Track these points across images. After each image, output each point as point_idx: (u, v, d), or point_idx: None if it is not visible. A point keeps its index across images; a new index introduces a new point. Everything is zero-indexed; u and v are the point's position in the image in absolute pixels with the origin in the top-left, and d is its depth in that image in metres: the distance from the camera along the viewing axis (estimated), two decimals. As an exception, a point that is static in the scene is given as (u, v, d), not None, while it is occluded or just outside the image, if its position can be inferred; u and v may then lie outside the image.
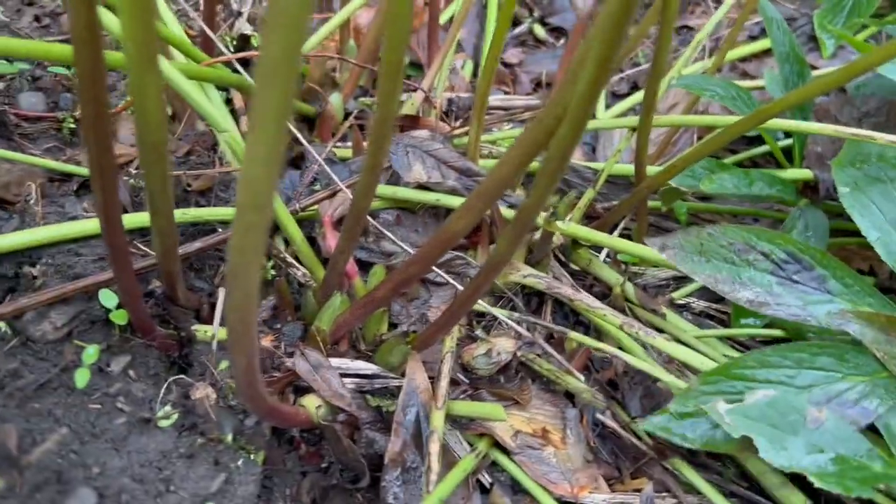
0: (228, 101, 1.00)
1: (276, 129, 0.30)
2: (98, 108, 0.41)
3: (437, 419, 0.70)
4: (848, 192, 0.79)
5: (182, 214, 0.71)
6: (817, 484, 0.57)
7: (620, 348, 0.85)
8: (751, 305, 0.68)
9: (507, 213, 0.86)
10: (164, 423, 0.62)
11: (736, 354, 0.82)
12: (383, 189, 0.84)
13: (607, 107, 1.18)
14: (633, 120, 0.87)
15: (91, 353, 0.61)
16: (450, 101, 1.14)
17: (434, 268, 0.82)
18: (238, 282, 0.39)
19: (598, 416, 0.79)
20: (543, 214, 0.80)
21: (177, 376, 0.66)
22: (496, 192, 0.57)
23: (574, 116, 0.47)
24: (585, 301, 0.79)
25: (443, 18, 1.24)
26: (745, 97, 0.91)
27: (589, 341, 0.77)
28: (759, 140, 1.13)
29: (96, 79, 0.40)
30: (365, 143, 0.97)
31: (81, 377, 0.60)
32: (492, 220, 0.87)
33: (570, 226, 0.77)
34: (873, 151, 0.82)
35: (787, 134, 1.05)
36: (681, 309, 0.92)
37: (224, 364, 0.70)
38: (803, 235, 0.87)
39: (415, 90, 1.07)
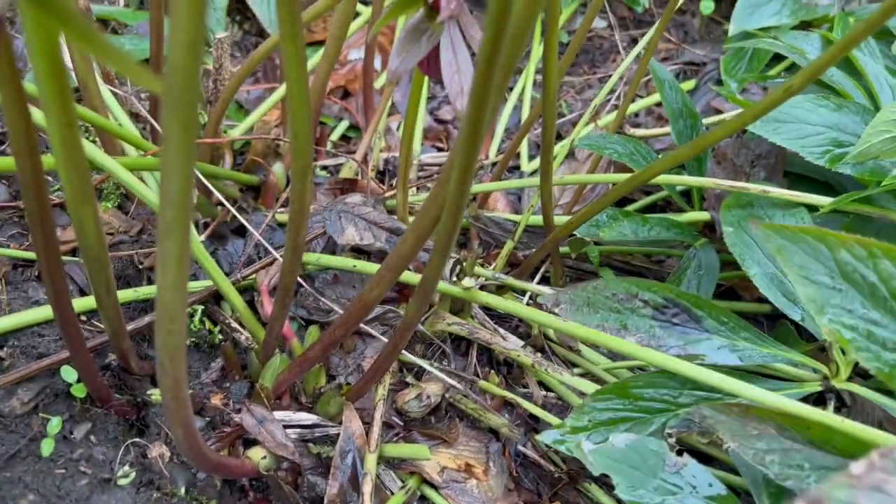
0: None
1: (178, 263, 0.40)
2: (41, 212, 0.50)
3: (371, 462, 0.79)
4: (731, 231, 0.89)
5: (134, 293, 0.80)
6: None
7: (540, 383, 0.95)
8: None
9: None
10: (123, 482, 0.71)
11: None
12: (309, 256, 0.93)
13: (531, 157, 1.29)
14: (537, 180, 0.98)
15: (55, 423, 0.70)
16: (386, 160, 1.24)
17: (366, 323, 0.92)
18: (166, 370, 0.48)
19: (520, 447, 0.88)
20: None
21: (134, 438, 0.75)
22: (401, 265, 0.67)
23: (451, 208, 0.57)
24: (501, 344, 0.89)
25: (379, 83, 1.35)
26: (643, 152, 1.02)
27: (496, 390, 0.87)
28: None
29: (38, 186, 0.49)
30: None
31: (47, 446, 0.68)
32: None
33: (469, 291, 0.86)
34: (758, 196, 0.92)
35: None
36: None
37: (178, 424, 0.78)
38: (697, 273, 0.97)
39: (351, 154, 1.17)
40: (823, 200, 0.87)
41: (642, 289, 0.79)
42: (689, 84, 1.49)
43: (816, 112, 0.90)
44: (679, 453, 0.70)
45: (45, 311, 0.74)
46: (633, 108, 1.41)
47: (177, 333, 0.44)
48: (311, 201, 0.66)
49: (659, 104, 1.46)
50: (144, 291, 0.80)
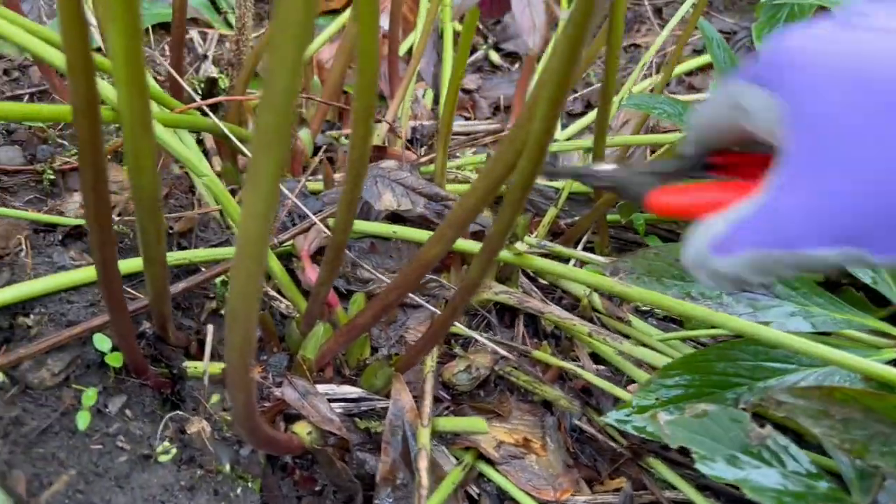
0: (199, 142, 1.03)
1: (270, 188, 0.34)
2: (96, 171, 0.45)
3: (424, 436, 0.74)
4: None
5: (167, 257, 0.74)
6: (753, 497, 0.59)
7: (591, 355, 0.90)
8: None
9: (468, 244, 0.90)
10: (163, 458, 0.65)
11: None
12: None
13: (563, 126, 1.23)
14: (588, 141, 0.93)
15: (90, 395, 0.64)
16: (413, 129, 1.19)
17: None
18: (238, 325, 0.42)
19: (576, 421, 0.83)
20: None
21: (172, 412, 0.69)
22: (465, 221, 0.62)
23: (532, 151, 0.51)
24: (555, 313, 0.84)
25: (402, 50, 1.29)
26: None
27: (552, 359, 0.82)
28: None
29: (95, 146, 0.43)
30: (336, 176, 1.01)
31: (83, 419, 0.63)
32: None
33: (524, 256, 0.80)
34: None
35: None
36: (645, 315, 0.97)
37: (216, 398, 0.73)
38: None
39: (380, 122, 1.11)
40: None
41: None
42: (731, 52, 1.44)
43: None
44: (762, 425, 0.65)
45: (74, 275, 0.68)
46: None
47: (256, 278, 0.39)
48: (370, 152, 0.60)
49: (690, 73, 1.41)
50: (177, 255, 0.75)
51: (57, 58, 0.64)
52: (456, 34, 1.47)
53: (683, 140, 0.48)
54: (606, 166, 0.51)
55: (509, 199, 0.56)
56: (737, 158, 0.46)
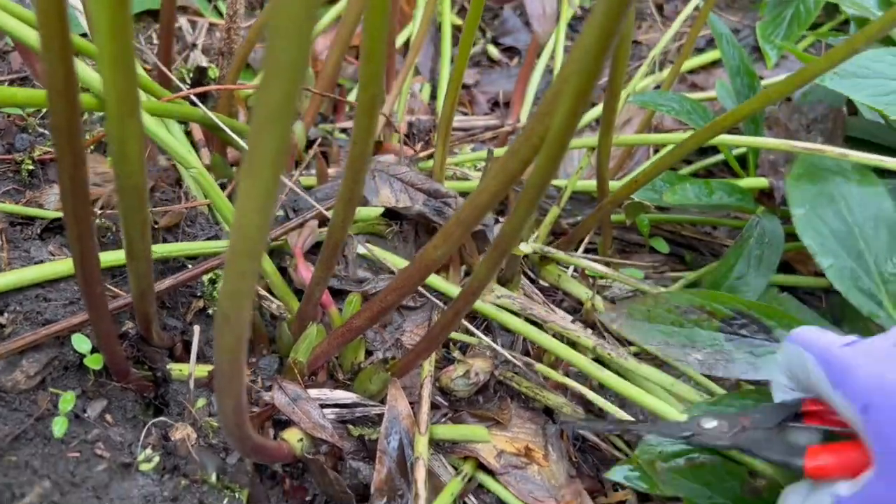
0: (187, 134, 0.99)
1: (272, 177, 0.30)
2: (75, 159, 0.41)
3: (421, 445, 0.70)
4: (802, 213, 0.79)
5: (153, 251, 0.70)
6: None
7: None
8: (701, 367, 0.69)
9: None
10: (145, 467, 0.61)
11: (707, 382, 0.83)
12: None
13: (565, 123, 1.20)
14: (592, 139, 0.89)
15: (68, 399, 0.60)
16: (410, 124, 1.15)
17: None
18: (229, 326, 0.38)
19: (578, 430, 0.80)
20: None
21: (155, 418, 0.65)
22: (475, 219, 0.58)
23: (551, 147, 0.48)
24: (559, 323, 0.80)
25: (397, 43, 1.25)
26: (700, 110, 0.94)
27: (555, 375, 0.78)
28: (711, 151, 1.17)
29: (72, 129, 0.39)
30: (330, 171, 0.97)
31: (59, 426, 0.59)
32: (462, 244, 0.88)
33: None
34: (828, 164, 0.84)
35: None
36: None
37: (201, 402, 0.69)
38: (760, 243, 0.89)
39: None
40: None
41: (707, 300, 0.71)
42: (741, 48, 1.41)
43: (903, 66, 0.82)
44: (754, 479, 0.63)
45: (53, 268, 0.64)
46: (665, 75, 1.33)
47: (251, 276, 0.35)
48: (372, 146, 0.56)
49: (693, 72, 1.38)
50: (162, 250, 0.71)
51: (33, 38, 0.59)
52: (454, 27, 1.44)
53: (774, 387, 0.58)
54: (711, 423, 0.58)
55: (525, 196, 0.52)
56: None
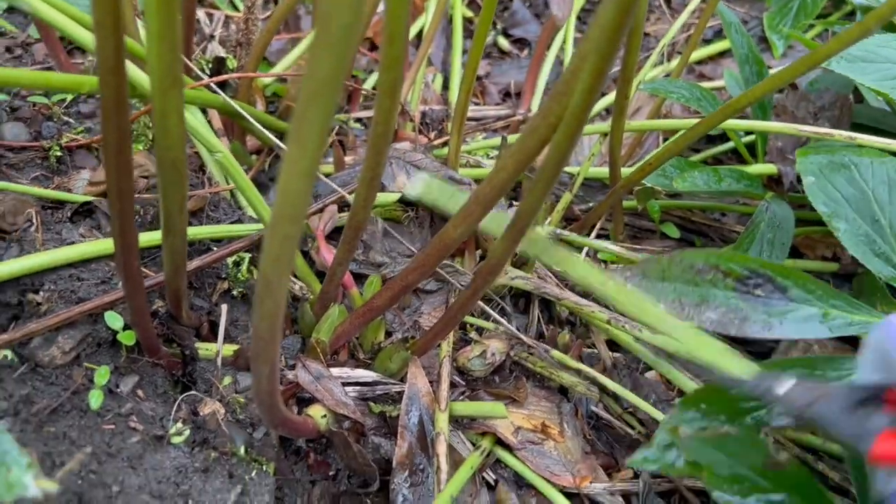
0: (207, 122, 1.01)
1: (317, 144, 0.32)
2: (121, 134, 0.43)
3: (442, 421, 0.72)
4: (813, 180, 0.81)
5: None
6: None
7: (608, 342, 0.89)
8: (715, 326, 0.70)
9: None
10: (176, 440, 0.63)
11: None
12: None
13: (575, 113, 1.22)
14: (604, 126, 0.91)
15: (102, 374, 0.62)
16: (423, 113, 1.17)
17: (425, 275, 0.85)
18: (270, 291, 0.41)
19: (592, 408, 0.82)
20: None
21: (185, 394, 0.67)
22: (494, 198, 0.60)
23: (569, 125, 0.50)
24: (572, 299, 0.82)
25: (409, 35, 1.27)
26: (710, 97, 0.96)
27: (571, 362, 0.80)
28: (720, 139, 1.18)
29: (120, 106, 0.41)
30: (346, 159, 0.99)
31: (95, 399, 0.61)
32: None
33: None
34: (836, 144, 0.85)
35: (749, 131, 1.10)
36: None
37: (228, 380, 0.71)
38: (771, 227, 0.91)
39: (390, 104, 1.09)
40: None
41: (723, 259, 0.72)
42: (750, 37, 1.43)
43: (909, 50, 0.84)
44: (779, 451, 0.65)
45: (85, 249, 0.66)
46: (675, 65, 1.34)
47: (293, 241, 0.37)
48: (393, 128, 0.58)
49: (701, 62, 1.40)
50: (190, 232, 0.73)
51: (70, 27, 0.62)
52: (465, 20, 1.46)
53: (859, 366, 0.57)
54: (786, 385, 0.55)
55: (542, 175, 0.54)
56: None
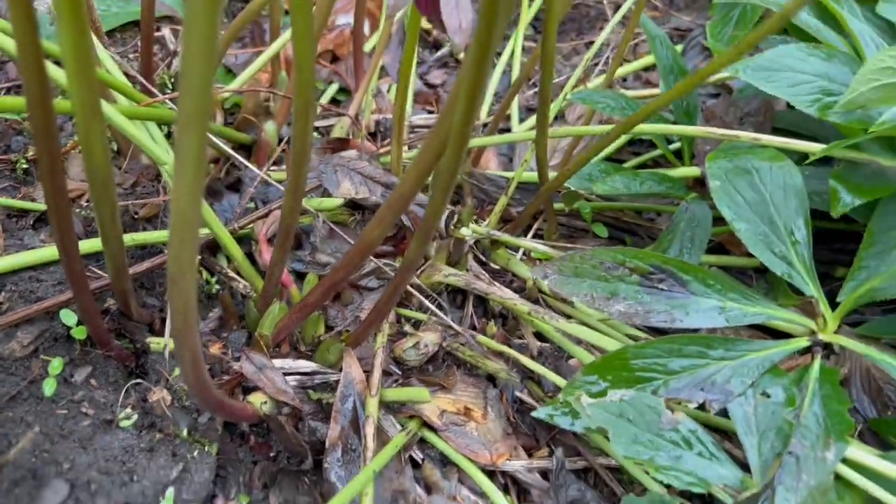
0: (169, 135, 1.08)
1: (196, 162, 0.40)
2: (52, 159, 0.50)
3: (372, 405, 0.79)
4: (719, 185, 0.89)
5: (130, 239, 0.79)
6: (652, 474, 0.66)
7: (535, 334, 0.96)
8: (622, 318, 0.77)
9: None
10: (125, 424, 0.71)
11: (635, 332, 0.93)
12: (310, 202, 0.93)
13: (521, 120, 1.29)
14: (532, 133, 0.98)
15: (56, 364, 0.70)
16: (377, 122, 1.24)
17: (362, 276, 0.92)
18: (177, 287, 0.48)
19: (517, 394, 0.89)
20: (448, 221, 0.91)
21: (135, 381, 0.75)
22: (402, 205, 0.67)
23: (455, 142, 0.57)
24: (497, 293, 0.90)
25: (368, 47, 1.34)
26: (633, 106, 1.03)
27: (493, 344, 0.87)
28: (652, 145, 1.26)
29: (48, 134, 0.49)
30: (298, 166, 1.06)
31: (49, 386, 0.68)
32: (413, 230, 0.97)
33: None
34: (745, 146, 0.92)
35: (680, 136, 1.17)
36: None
37: (177, 371, 0.78)
38: (690, 226, 0.98)
39: (341, 115, 1.17)
40: (814, 147, 0.88)
41: (629, 256, 0.80)
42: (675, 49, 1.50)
43: (807, 61, 0.91)
44: (673, 411, 0.72)
45: (43, 254, 0.74)
46: (621, 71, 1.42)
47: (189, 243, 0.45)
48: (311, 144, 0.66)
49: (646, 69, 1.47)
50: (140, 237, 0.80)
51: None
52: (423, 31, 1.53)
53: None
54: None
55: (438, 185, 0.61)
56: None
